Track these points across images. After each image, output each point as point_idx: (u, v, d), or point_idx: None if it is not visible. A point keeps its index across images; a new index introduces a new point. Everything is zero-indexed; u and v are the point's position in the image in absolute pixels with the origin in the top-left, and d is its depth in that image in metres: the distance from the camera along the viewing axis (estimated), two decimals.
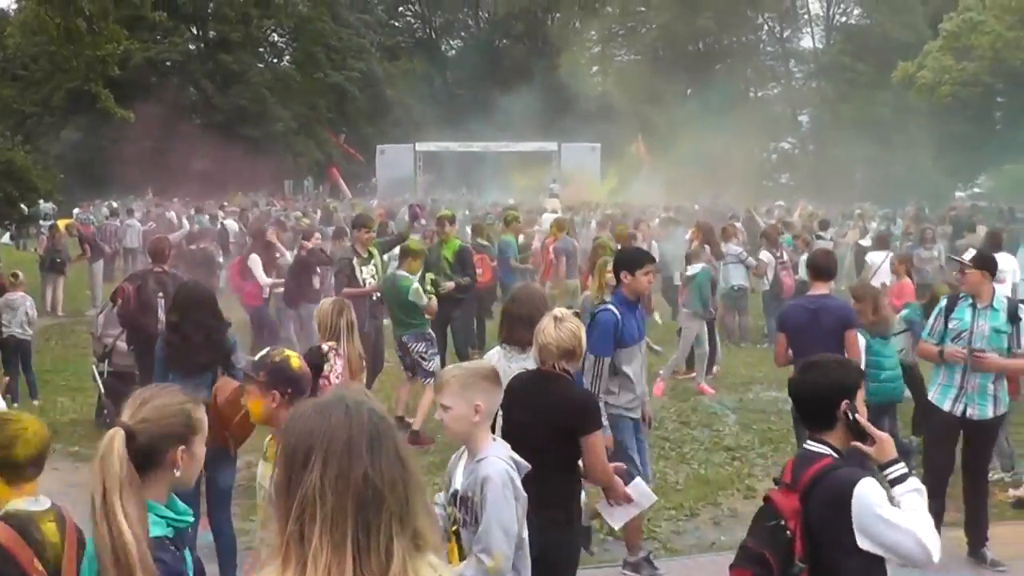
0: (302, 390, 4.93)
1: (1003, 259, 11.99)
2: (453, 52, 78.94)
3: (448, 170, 53.69)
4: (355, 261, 12.56)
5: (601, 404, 6.75)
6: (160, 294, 11.13)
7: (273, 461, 4.73)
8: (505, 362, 6.20)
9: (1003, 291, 9.84)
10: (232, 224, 27.90)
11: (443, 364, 12.68)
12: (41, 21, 26.37)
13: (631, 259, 7.76)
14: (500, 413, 5.22)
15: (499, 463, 4.33)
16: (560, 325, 5.48)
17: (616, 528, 6.99)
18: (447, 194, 45.54)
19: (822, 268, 8.63)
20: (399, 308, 11.84)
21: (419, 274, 12.08)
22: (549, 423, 5.41)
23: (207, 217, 30.20)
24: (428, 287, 12.33)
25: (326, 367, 6.97)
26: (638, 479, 6.31)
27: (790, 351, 8.47)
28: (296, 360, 5.06)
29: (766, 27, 69.39)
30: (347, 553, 2.16)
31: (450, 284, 13.09)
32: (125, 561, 2.89)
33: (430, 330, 12.01)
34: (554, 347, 5.45)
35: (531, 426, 5.34)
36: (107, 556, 2.92)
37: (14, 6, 49.46)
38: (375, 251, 12.90)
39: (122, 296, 11.99)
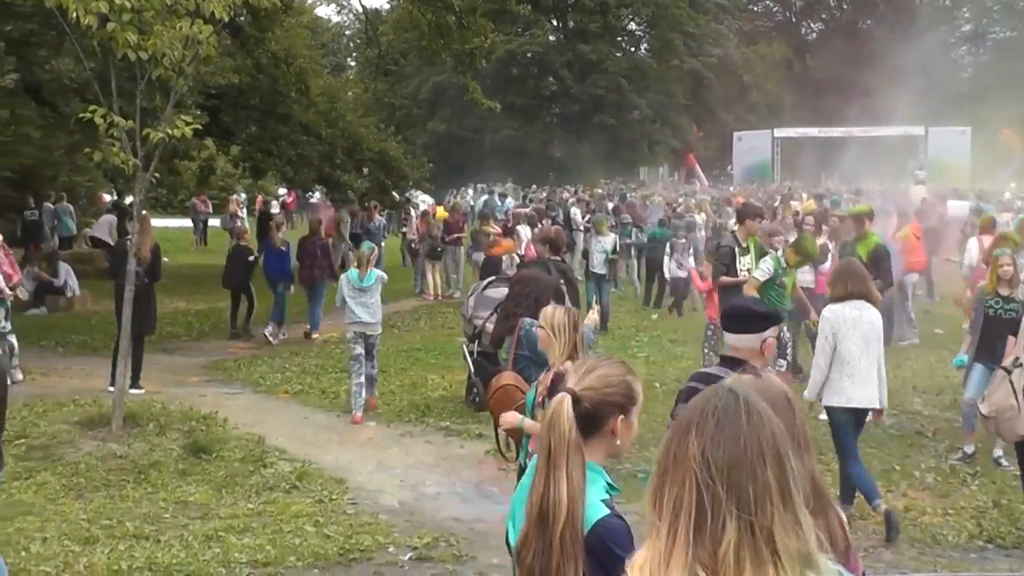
0: None
1: None
2: (814, 35, 76.74)
3: (806, 156, 52.30)
4: (737, 250, 12.08)
5: None
6: None
7: None
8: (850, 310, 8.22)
9: None
10: (576, 212, 28.25)
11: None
12: (413, 18, 27.68)
13: None
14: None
15: None
16: None
17: None
18: (807, 181, 44.29)
19: None
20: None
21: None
22: None
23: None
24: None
25: None
26: None
27: None
28: None
29: None
30: (682, 533, 2.11)
31: None
32: (551, 519, 3.01)
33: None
34: None
35: None
36: (534, 511, 3.07)
37: (387, 6, 52.69)
38: (753, 244, 12.39)
39: None
